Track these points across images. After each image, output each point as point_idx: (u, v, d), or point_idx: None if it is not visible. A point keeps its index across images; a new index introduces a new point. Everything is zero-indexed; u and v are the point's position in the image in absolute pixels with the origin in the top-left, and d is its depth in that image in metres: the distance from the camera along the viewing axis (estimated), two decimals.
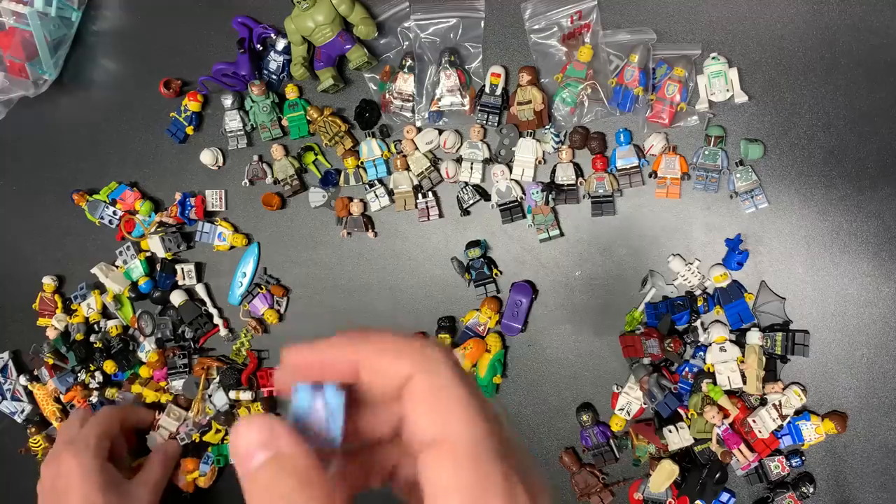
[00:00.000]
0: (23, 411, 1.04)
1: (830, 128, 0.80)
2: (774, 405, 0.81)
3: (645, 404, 0.85)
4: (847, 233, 0.81)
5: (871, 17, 0.79)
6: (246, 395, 0.93)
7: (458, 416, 0.27)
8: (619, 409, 0.85)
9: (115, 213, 0.97)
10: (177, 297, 0.96)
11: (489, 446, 0.26)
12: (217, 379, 0.95)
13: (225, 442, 0.96)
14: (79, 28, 0.98)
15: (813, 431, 0.81)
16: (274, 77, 0.92)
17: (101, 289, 0.99)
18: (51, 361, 1.00)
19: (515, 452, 0.28)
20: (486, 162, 0.87)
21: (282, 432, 0.26)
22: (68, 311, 1.01)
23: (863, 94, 0.79)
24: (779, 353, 0.81)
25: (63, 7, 0.95)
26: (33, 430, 1.02)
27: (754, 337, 0.81)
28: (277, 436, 0.25)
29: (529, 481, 0.27)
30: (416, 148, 0.88)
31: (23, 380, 1.03)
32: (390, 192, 0.90)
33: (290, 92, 0.90)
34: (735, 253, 0.81)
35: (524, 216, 0.87)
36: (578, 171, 0.85)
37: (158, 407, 0.96)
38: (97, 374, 0.99)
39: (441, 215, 0.89)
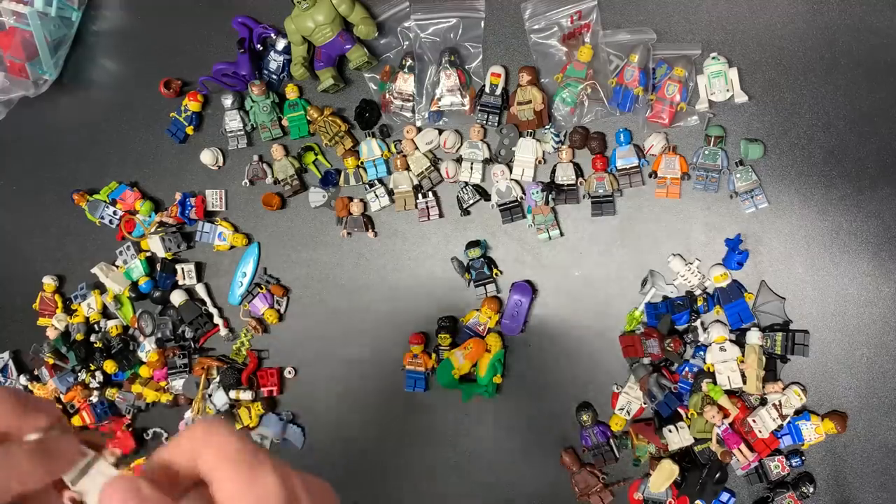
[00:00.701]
0: None
1: (830, 128, 0.80)
2: (774, 405, 0.81)
3: (645, 404, 0.85)
4: (847, 233, 0.81)
5: (871, 17, 0.79)
6: (246, 395, 0.93)
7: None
8: (619, 409, 0.85)
9: (115, 213, 0.97)
10: (177, 297, 0.96)
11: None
12: (217, 379, 0.95)
13: None
14: (79, 28, 0.98)
15: (813, 431, 0.81)
16: (274, 77, 0.92)
17: (102, 289, 0.99)
18: (51, 361, 1.00)
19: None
20: (486, 162, 0.87)
21: (143, 485, 0.32)
22: (68, 311, 1.01)
23: (863, 94, 0.79)
24: (779, 352, 0.81)
25: (63, 7, 0.95)
26: None
27: (754, 337, 0.81)
28: (140, 487, 0.31)
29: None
30: (416, 148, 0.88)
31: (23, 380, 1.03)
32: (390, 192, 0.90)
33: (291, 92, 0.90)
34: (735, 253, 0.81)
35: (524, 216, 0.87)
36: (578, 171, 0.85)
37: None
38: (97, 373, 0.99)
39: (441, 215, 0.89)
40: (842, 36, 0.79)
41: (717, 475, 0.82)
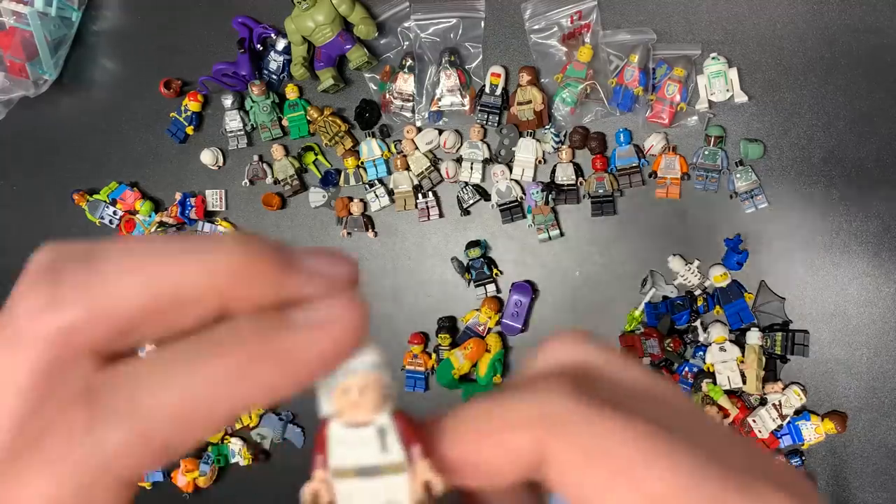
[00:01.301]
0: None
1: (830, 128, 0.80)
2: (774, 405, 0.81)
3: None
4: (847, 233, 0.80)
5: (871, 17, 0.79)
6: None
7: (657, 471, 0.16)
8: None
9: (115, 213, 0.97)
10: None
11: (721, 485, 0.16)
12: None
13: (225, 442, 0.96)
14: (79, 28, 0.98)
15: (813, 431, 0.81)
16: (274, 77, 0.92)
17: None
18: None
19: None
20: (486, 162, 0.87)
21: None
22: None
23: (862, 94, 0.79)
24: (779, 352, 0.81)
25: (63, 7, 0.95)
26: None
27: (754, 337, 0.81)
28: None
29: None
30: (416, 148, 0.88)
31: None
32: (390, 192, 0.90)
33: (291, 92, 0.89)
34: (735, 253, 0.81)
35: (524, 216, 0.87)
36: (578, 171, 0.85)
37: None
38: None
39: (441, 215, 0.89)
40: (842, 36, 0.79)
41: None
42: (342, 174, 0.91)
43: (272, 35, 0.91)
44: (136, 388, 0.16)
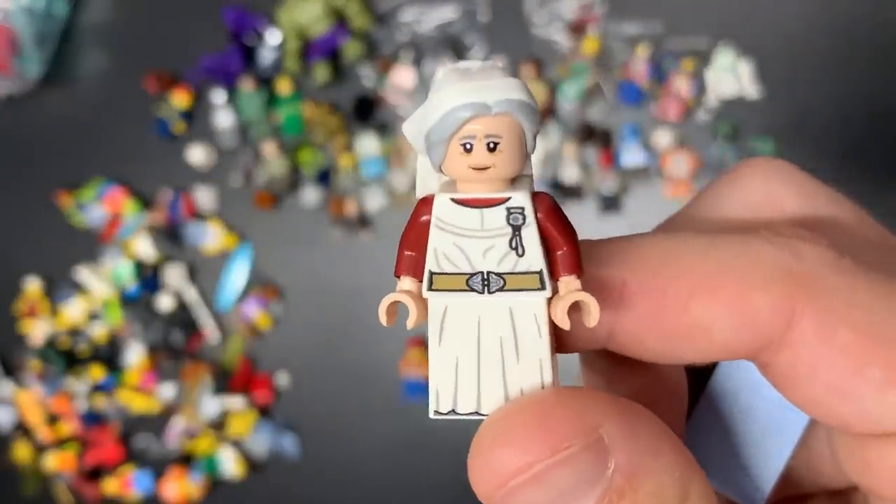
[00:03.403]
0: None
1: (846, 124, 0.79)
2: None
3: None
4: None
5: (890, 8, 0.77)
6: (238, 402, 0.91)
7: None
8: None
9: (101, 213, 0.95)
10: (166, 301, 0.93)
11: None
12: (208, 385, 0.92)
13: (217, 452, 0.94)
14: (66, 23, 0.96)
15: None
16: (267, 71, 0.90)
17: (87, 292, 0.96)
18: (36, 366, 0.98)
19: None
20: None
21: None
22: (53, 314, 0.98)
23: (880, 88, 0.78)
24: None
25: (50, 1, 0.93)
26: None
27: None
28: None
29: None
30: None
31: (6, 384, 1.00)
32: (389, 191, 0.88)
33: (284, 87, 0.87)
34: None
35: None
36: (584, 169, 0.83)
37: None
38: (84, 379, 0.96)
39: None
40: (859, 28, 0.78)
41: None
42: (338, 172, 0.88)
43: (265, 28, 0.89)
44: None
